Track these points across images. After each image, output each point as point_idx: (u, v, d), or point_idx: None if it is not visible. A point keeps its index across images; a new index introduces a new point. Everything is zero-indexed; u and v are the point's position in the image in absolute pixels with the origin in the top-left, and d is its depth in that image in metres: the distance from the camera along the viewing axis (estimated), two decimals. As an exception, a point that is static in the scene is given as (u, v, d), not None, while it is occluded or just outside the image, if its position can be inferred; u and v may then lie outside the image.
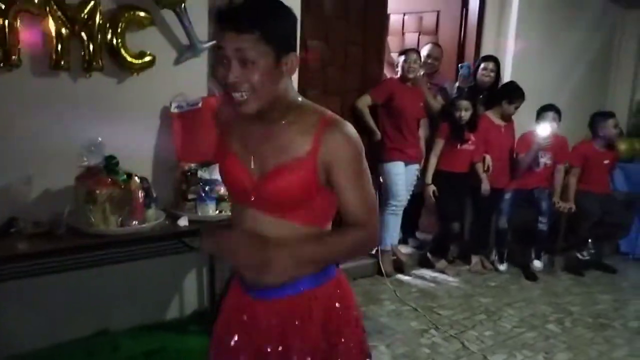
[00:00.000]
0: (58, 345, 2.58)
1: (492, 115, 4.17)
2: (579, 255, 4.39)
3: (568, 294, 3.93)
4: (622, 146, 4.93)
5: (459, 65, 4.40)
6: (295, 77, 3.11)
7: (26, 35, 2.30)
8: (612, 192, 4.62)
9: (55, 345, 2.58)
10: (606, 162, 4.44)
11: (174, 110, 2.73)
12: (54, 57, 2.35)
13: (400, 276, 3.99)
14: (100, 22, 2.42)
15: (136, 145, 2.66)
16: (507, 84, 4.24)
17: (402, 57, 3.85)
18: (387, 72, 4.20)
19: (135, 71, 2.59)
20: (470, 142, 3.99)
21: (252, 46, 1.12)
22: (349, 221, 1.24)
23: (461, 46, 4.60)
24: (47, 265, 2.24)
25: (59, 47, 2.35)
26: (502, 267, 4.28)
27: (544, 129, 4.05)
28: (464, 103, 3.92)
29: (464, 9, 4.55)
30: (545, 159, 4.22)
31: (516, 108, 4.11)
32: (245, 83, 1.15)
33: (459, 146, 3.96)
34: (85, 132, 2.43)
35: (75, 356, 2.54)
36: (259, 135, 1.24)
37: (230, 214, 2.61)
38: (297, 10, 3.10)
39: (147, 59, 2.60)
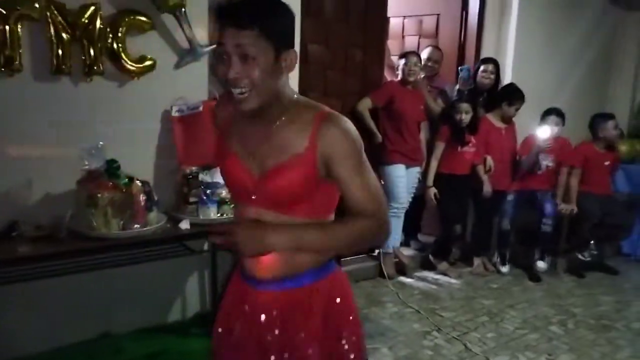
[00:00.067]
0: (60, 348, 2.59)
1: (493, 118, 4.18)
2: (580, 256, 4.38)
3: (570, 295, 3.92)
4: (623, 147, 4.93)
5: (459, 68, 4.40)
6: (295, 80, 3.12)
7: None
8: (613, 193, 4.62)
9: (57, 349, 2.58)
10: (607, 163, 4.44)
11: (174, 114, 2.74)
12: (55, 61, 2.37)
13: (402, 278, 3.98)
14: (101, 26, 2.44)
15: (137, 149, 2.68)
16: (506, 86, 4.24)
17: (403, 60, 3.86)
18: (388, 75, 4.21)
19: (136, 75, 2.60)
20: (471, 145, 3.99)
21: (252, 42, 1.13)
22: (354, 212, 1.24)
23: (461, 49, 4.61)
24: (48, 268, 2.25)
25: (60, 51, 2.36)
26: (504, 268, 4.27)
27: (544, 132, 4.05)
28: (464, 106, 3.92)
29: (464, 12, 4.56)
30: (547, 162, 4.22)
31: (516, 110, 4.12)
32: (245, 79, 1.15)
33: (459, 149, 3.96)
34: (87, 136, 2.45)
35: (77, 359, 2.55)
36: (258, 135, 1.25)
37: (231, 216, 2.63)
38: (297, 13, 3.13)
39: (148, 63, 2.62)
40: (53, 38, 2.34)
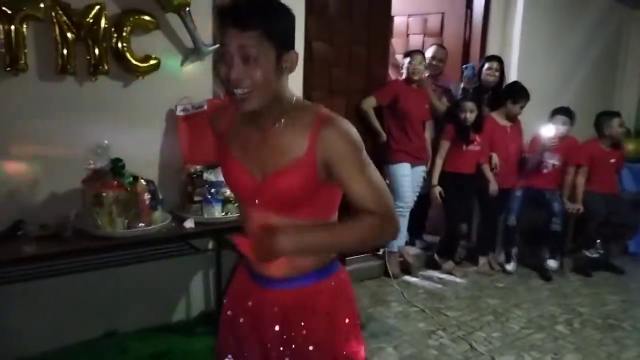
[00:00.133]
0: (64, 347, 2.59)
1: (497, 116, 4.17)
2: (587, 253, 4.36)
3: (577, 294, 3.91)
4: (630, 146, 4.91)
5: (463, 66, 4.39)
6: (300, 78, 3.12)
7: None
8: (619, 192, 4.60)
9: (61, 348, 2.59)
10: (612, 161, 4.42)
11: (179, 113, 2.74)
12: (59, 61, 2.37)
13: (407, 278, 3.98)
14: (106, 26, 2.44)
15: (142, 148, 2.68)
16: (511, 84, 4.23)
17: (407, 59, 3.86)
18: (392, 74, 4.21)
19: (141, 75, 2.60)
20: (475, 143, 3.98)
21: (255, 43, 1.13)
22: (360, 212, 1.24)
23: (466, 47, 4.60)
24: (54, 267, 2.25)
25: (65, 51, 2.37)
26: (510, 266, 4.25)
27: (549, 130, 4.04)
28: (469, 104, 3.91)
29: (469, 10, 4.55)
30: (554, 160, 4.21)
31: (521, 108, 4.10)
32: (247, 80, 1.16)
33: (464, 147, 3.96)
34: (92, 135, 2.45)
35: (82, 359, 2.55)
36: (258, 139, 1.26)
37: (237, 215, 2.63)
38: (301, 11, 3.14)
39: (153, 62, 2.62)
40: (58, 38, 2.35)
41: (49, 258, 2.21)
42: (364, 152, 1.23)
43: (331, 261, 1.36)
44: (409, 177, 3.89)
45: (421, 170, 4.02)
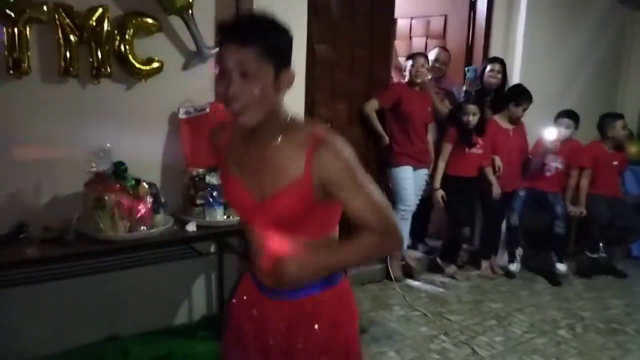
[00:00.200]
0: (66, 351, 2.59)
1: (500, 119, 4.15)
2: (589, 254, 4.34)
3: (579, 299, 3.89)
4: (633, 149, 4.89)
5: (466, 68, 4.38)
6: (302, 81, 3.11)
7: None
8: (622, 195, 4.58)
9: (63, 351, 2.58)
10: (615, 163, 4.41)
11: (182, 116, 2.74)
12: (62, 64, 2.38)
13: (409, 281, 3.96)
14: (109, 29, 2.44)
15: (144, 151, 2.67)
16: (514, 86, 4.22)
17: (410, 62, 3.84)
18: (395, 77, 4.20)
19: (144, 77, 2.60)
20: (478, 146, 3.97)
21: (253, 59, 1.14)
22: (361, 229, 1.26)
23: (469, 50, 4.59)
24: (56, 270, 2.25)
25: (68, 54, 2.37)
26: (513, 267, 4.23)
27: (551, 133, 4.03)
28: (472, 107, 3.90)
29: (472, 13, 4.54)
30: (556, 163, 4.20)
31: (524, 110, 4.08)
32: (245, 96, 1.16)
33: (467, 150, 3.94)
34: (94, 138, 2.45)
35: (84, 362, 2.56)
36: (255, 157, 1.27)
37: (239, 219, 2.62)
38: (303, 14, 3.13)
39: (155, 65, 2.62)
40: (61, 40, 2.35)
41: (51, 261, 2.21)
42: (360, 169, 1.24)
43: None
44: (411, 180, 3.88)
45: (424, 173, 4.01)
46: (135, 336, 2.77)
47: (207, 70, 2.83)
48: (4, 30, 2.22)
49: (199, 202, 2.68)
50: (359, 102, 3.76)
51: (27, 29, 2.27)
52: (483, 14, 4.47)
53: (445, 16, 4.71)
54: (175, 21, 2.66)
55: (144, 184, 2.43)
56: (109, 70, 2.48)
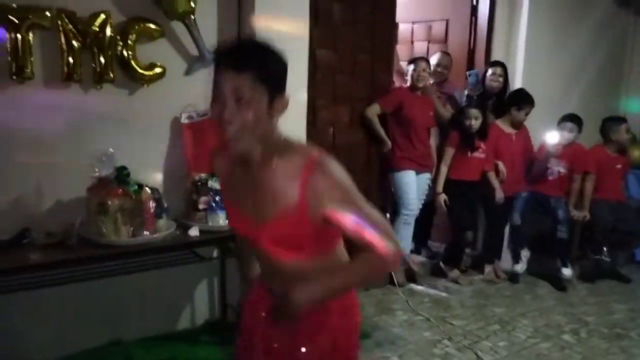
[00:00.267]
0: (69, 356, 2.59)
1: (502, 124, 4.15)
2: (593, 256, 4.32)
3: (583, 303, 3.87)
4: (636, 153, 4.87)
5: (467, 72, 4.38)
6: (304, 86, 3.11)
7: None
8: (626, 199, 4.56)
9: (66, 356, 2.58)
10: (618, 167, 4.40)
11: (184, 120, 2.75)
12: (65, 69, 2.38)
13: (412, 286, 3.94)
14: (111, 34, 2.45)
15: (147, 156, 2.69)
16: (515, 91, 4.22)
17: (412, 66, 3.85)
18: (397, 81, 4.20)
19: (146, 82, 2.61)
20: (480, 151, 3.96)
21: (249, 85, 1.15)
22: (360, 248, 1.27)
23: (471, 54, 4.59)
24: (59, 275, 2.25)
25: (71, 59, 2.38)
26: (518, 267, 4.20)
27: (553, 137, 4.02)
28: (474, 111, 3.90)
29: (473, 17, 4.54)
30: (559, 167, 4.19)
31: (526, 114, 4.08)
32: (239, 121, 1.17)
33: (469, 154, 3.94)
34: (97, 143, 2.46)
35: (87, 367, 2.55)
36: (252, 183, 1.28)
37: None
38: (305, 19, 3.14)
39: (158, 70, 2.63)
40: (64, 46, 2.36)
41: (54, 266, 2.22)
42: (354, 190, 1.24)
43: None
44: (413, 185, 3.87)
45: (426, 177, 4.01)
46: (138, 341, 2.77)
47: (209, 76, 2.83)
48: (7, 35, 2.23)
49: (201, 207, 2.68)
50: (361, 107, 3.76)
51: (30, 34, 2.28)
52: (485, 18, 4.48)
53: (447, 20, 4.72)
54: (178, 26, 2.67)
55: (147, 188, 2.43)
56: (111, 75, 2.49)
